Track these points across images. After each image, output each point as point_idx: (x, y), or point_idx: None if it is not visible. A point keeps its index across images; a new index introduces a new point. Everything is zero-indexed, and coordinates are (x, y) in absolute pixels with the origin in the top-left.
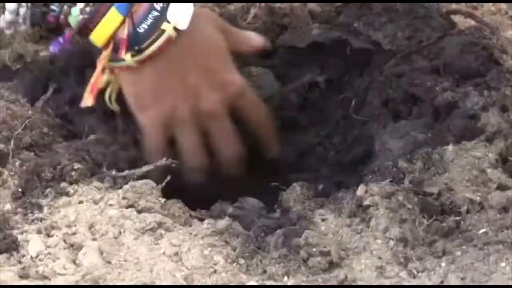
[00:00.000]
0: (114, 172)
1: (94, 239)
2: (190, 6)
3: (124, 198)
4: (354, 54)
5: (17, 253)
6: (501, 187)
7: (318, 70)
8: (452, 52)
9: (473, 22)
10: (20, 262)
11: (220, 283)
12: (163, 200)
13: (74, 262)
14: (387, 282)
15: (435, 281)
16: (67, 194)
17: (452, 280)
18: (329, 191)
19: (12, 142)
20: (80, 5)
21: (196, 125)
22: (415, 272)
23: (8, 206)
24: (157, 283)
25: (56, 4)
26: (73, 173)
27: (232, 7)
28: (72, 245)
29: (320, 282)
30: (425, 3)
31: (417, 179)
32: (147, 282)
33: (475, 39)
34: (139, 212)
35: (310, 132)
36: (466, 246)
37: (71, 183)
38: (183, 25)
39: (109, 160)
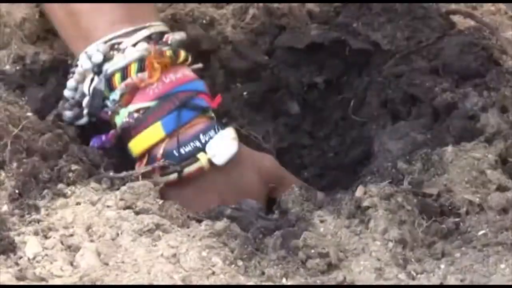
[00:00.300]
0: (111, 173)
1: (91, 241)
2: (235, 145)
3: (121, 199)
4: (353, 54)
5: (14, 255)
6: (501, 188)
7: (317, 72)
8: (451, 52)
9: (472, 22)
10: (17, 264)
11: (218, 284)
12: (160, 201)
13: (71, 263)
14: (386, 283)
15: (434, 282)
16: (64, 195)
17: (452, 282)
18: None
19: (9, 143)
20: (131, 108)
21: None
22: (414, 274)
23: (5, 208)
24: (155, 284)
25: (112, 99)
26: (70, 174)
27: (230, 7)
28: (69, 247)
29: (318, 283)
30: (424, 3)
31: (416, 180)
32: (145, 283)
33: (475, 39)
34: (136, 213)
35: (309, 133)
36: (466, 248)
37: (68, 185)
38: (219, 160)
39: (107, 161)
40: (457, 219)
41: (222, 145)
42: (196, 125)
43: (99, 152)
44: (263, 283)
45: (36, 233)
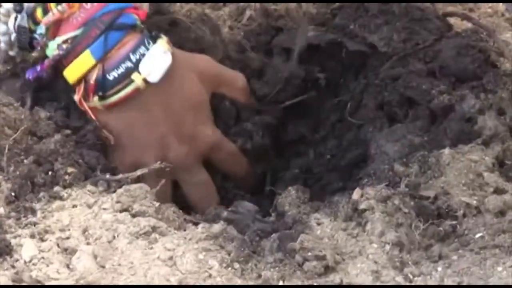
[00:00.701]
0: (108, 176)
1: (88, 244)
2: (168, 58)
3: (118, 202)
4: (350, 56)
5: (10, 258)
6: (498, 191)
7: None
8: (448, 54)
9: (469, 25)
10: (13, 267)
11: (215, 285)
12: (157, 204)
13: (67, 266)
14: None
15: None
16: (60, 198)
17: (449, 284)
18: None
19: (6, 146)
20: (59, 40)
21: (159, 174)
22: (411, 277)
23: (1, 210)
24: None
25: (39, 32)
26: (66, 177)
27: (227, 8)
28: (65, 250)
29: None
30: (424, 2)
31: (413, 183)
32: None
33: (472, 41)
34: (133, 216)
35: (306, 136)
36: (463, 250)
37: (64, 187)
38: (153, 77)
39: (103, 163)
40: (454, 222)
41: (155, 61)
42: (126, 44)
43: (95, 154)
44: None
45: (32, 236)
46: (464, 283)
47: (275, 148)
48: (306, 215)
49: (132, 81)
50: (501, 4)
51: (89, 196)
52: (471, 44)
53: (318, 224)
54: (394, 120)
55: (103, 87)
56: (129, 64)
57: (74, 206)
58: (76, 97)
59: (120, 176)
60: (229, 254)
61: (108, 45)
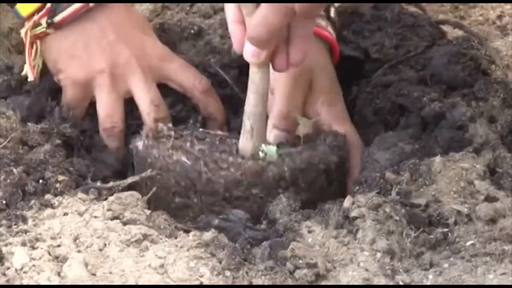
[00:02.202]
0: (99, 184)
1: (79, 251)
2: None
3: (109, 210)
4: (343, 61)
5: (1, 265)
6: (489, 199)
7: None
8: (439, 62)
9: (461, 32)
10: (4, 275)
11: (214, 285)
12: (148, 212)
13: (59, 274)
14: None
15: None
16: (51, 206)
17: None
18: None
19: None
20: None
21: (112, 82)
22: (402, 284)
23: None
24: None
25: None
26: (57, 185)
27: (218, 16)
28: (57, 257)
29: None
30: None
31: (404, 191)
32: None
33: (463, 49)
34: (124, 224)
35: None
36: (454, 258)
37: (55, 195)
38: None
39: (93, 171)
40: (445, 230)
41: None
42: None
43: (85, 162)
44: None
45: (23, 244)
46: None
47: None
48: (297, 222)
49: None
50: (492, 11)
51: (80, 204)
52: (462, 51)
53: (309, 231)
54: (386, 128)
55: (55, 9)
56: None
57: (65, 214)
58: (23, 30)
59: (111, 184)
60: (220, 262)
61: None
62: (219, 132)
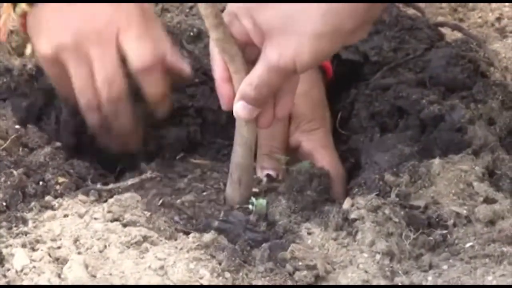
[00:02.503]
0: (99, 186)
1: (79, 253)
2: None
3: (109, 211)
4: (342, 64)
5: (2, 267)
6: (488, 201)
7: None
8: (438, 64)
9: (459, 35)
10: (5, 276)
11: (215, 284)
12: (148, 213)
13: (59, 276)
14: None
15: None
16: (52, 207)
17: None
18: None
19: None
20: None
21: (79, 52)
22: (401, 285)
23: None
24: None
25: None
26: (57, 187)
27: None
28: (57, 259)
29: None
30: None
31: (403, 193)
32: None
33: (462, 51)
34: (124, 225)
35: None
36: (453, 260)
37: (55, 197)
38: None
39: (93, 173)
40: (444, 231)
41: None
42: None
43: (85, 164)
44: None
45: (24, 245)
46: None
47: None
48: (297, 224)
49: None
50: (490, 14)
51: (80, 205)
52: (461, 54)
53: (309, 233)
54: (385, 130)
55: None
56: None
57: (66, 215)
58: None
59: (111, 185)
60: (220, 264)
61: None
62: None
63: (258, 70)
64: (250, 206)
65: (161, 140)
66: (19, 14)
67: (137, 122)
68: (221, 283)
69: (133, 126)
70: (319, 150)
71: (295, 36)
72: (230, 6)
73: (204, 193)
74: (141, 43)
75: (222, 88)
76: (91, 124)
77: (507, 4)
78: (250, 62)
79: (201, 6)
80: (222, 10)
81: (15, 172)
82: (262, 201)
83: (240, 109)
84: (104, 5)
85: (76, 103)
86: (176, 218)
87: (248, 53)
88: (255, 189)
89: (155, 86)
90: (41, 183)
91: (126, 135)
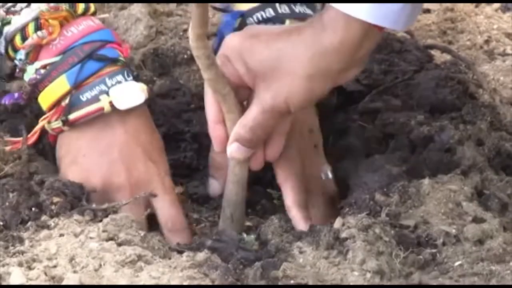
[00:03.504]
0: (94, 205)
1: (74, 272)
2: (142, 96)
3: (104, 231)
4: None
5: None
6: (477, 220)
7: None
8: (427, 86)
9: (449, 57)
10: None
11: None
12: (142, 233)
13: None
14: None
15: None
16: (48, 227)
17: None
18: None
19: None
20: (37, 65)
21: (106, 198)
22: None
23: None
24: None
25: (18, 58)
26: (52, 207)
27: (211, 42)
28: (53, 278)
29: None
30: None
31: (393, 212)
32: None
33: (451, 73)
34: (119, 245)
35: None
36: (442, 278)
37: (51, 217)
38: (120, 104)
39: (87, 193)
40: (433, 250)
41: (128, 91)
42: (104, 74)
43: (78, 184)
44: None
45: (20, 264)
46: None
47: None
48: (288, 243)
49: (99, 100)
50: (479, 36)
51: (75, 225)
52: (450, 76)
53: (301, 252)
54: (375, 154)
55: (71, 105)
56: (103, 87)
57: (61, 235)
58: (41, 121)
59: (105, 205)
60: (213, 282)
61: (85, 72)
62: None
63: (253, 112)
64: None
65: None
66: (52, 128)
67: None
68: None
69: None
70: (286, 184)
71: (287, 78)
72: (223, 50)
73: (198, 227)
74: (171, 209)
75: (215, 130)
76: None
77: (495, 26)
78: (242, 103)
79: (193, 48)
80: (213, 35)
81: (11, 194)
82: (252, 238)
83: (234, 150)
84: (143, 155)
85: None
86: None
87: (241, 94)
88: (248, 223)
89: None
90: (37, 202)
91: None
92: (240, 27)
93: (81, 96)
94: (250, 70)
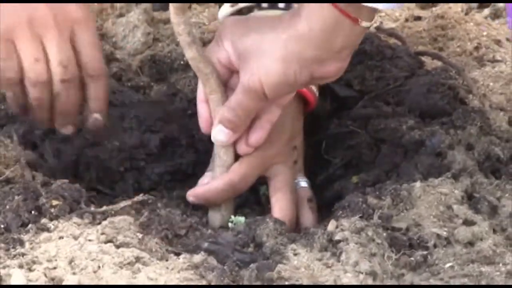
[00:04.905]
0: (93, 208)
1: (74, 273)
2: None
3: (103, 233)
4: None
5: None
6: (467, 223)
7: None
8: (419, 91)
9: (439, 63)
10: None
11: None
12: (140, 235)
13: None
14: None
15: None
16: (47, 230)
17: None
18: None
19: None
20: None
21: (33, 32)
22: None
23: None
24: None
25: None
26: (52, 210)
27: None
28: (52, 279)
29: None
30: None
31: (386, 215)
32: None
33: (442, 79)
34: (117, 247)
35: None
36: (433, 280)
37: (51, 219)
38: None
39: (86, 196)
40: (425, 252)
41: None
42: None
43: (76, 187)
44: None
45: (20, 266)
46: None
47: None
48: (283, 246)
49: None
50: (469, 43)
51: (75, 228)
52: (441, 81)
53: (295, 254)
54: (366, 160)
55: None
56: None
57: (61, 237)
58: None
59: (104, 208)
60: (209, 283)
61: None
62: None
63: (235, 94)
64: (230, 225)
65: (154, 170)
66: None
67: (83, 106)
68: None
69: (77, 108)
70: (276, 194)
71: (263, 60)
72: (218, 30)
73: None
74: (95, 51)
75: (200, 108)
76: (35, 96)
77: (484, 33)
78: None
79: (174, 24)
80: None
81: (11, 197)
82: (241, 219)
83: (217, 133)
84: None
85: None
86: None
87: (234, 81)
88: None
89: (100, 96)
90: (36, 205)
91: (68, 115)
92: None
93: None
94: (236, 51)
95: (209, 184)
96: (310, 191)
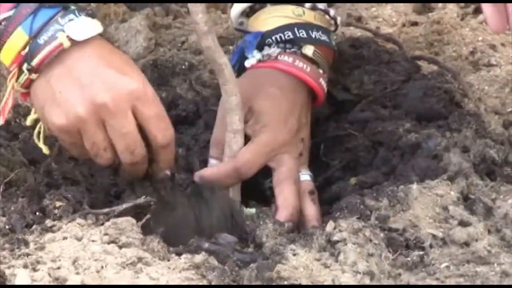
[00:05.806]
0: (96, 209)
1: (77, 273)
2: (98, 26)
3: (106, 234)
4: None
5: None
6: (463, 224)
7: None
8: (415, 95)
9: (435, 67)
10: None
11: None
12: (142, 236)
13: None
14: None
15: None
16: (52, 230)
17: None
18: None
19: (2, 186)
20: None
21: (96, 123)
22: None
23: None
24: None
25: None
26: (56, 211)
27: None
28: (56, 279)
29: None
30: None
31: (383, 216)
32: None
33: (438, 83)
34: (120, 247)
35: None
36: (430, 279)
37: (55, 220)
38: (78, 36)
39: (88, 197)
40: (421, 253)
41: (83, 24)
42: (58, 18)
43: (79, 189)
44: None
45: (25, 266)
46: None
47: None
48: (282, 246)
49: (56, 38)
50: (465, 48)
51: (78, 229)
52: (437, 85)
53: (294, 254)
54: (363, 163)
55: (32, 52)
56: (57, 26)
57: (65, 238)
58: (8, 81)
59: (107, 209)
60: (210, 283)
61: (39, 20)
62: None
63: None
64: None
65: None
66: (21, 82)
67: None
68: None
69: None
70: (279, 184)
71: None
72: None
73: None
74: (161, 122)
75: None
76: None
77: (480, 38)
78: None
79: (192, 12)
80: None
81: (16, 199)
82: (252, 210)
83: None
84: (116, 71)
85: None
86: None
87: None
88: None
89: (170, 158)
90: (40, 206)
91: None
92: (259, 46)
93: (38, 40)
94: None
95: (216, 167)
96: (312, 184)
